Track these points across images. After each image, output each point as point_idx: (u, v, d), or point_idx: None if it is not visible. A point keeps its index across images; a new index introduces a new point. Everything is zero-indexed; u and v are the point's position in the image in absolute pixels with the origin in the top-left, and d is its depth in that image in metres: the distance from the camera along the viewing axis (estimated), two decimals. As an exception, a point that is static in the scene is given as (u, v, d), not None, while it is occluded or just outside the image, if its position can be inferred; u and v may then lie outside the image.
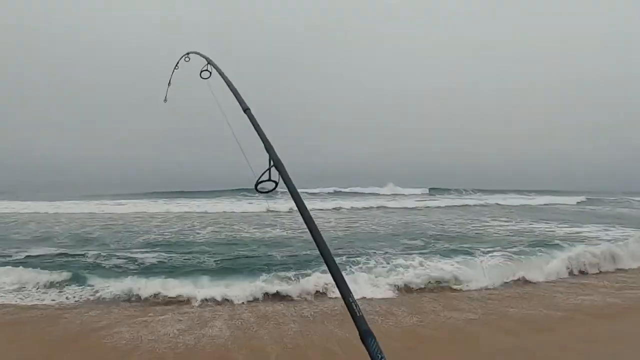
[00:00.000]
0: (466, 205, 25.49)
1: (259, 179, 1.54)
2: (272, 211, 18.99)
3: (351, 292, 1.26)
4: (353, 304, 1.22)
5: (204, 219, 17.16)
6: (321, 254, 1.35)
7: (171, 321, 5.23)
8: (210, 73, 2.46)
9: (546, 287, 6.90)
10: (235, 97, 2.10)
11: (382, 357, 1.12)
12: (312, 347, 4.51)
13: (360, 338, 1.18)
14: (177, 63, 3.08)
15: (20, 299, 6.13)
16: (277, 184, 1.54)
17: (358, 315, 1.21)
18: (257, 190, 1.56)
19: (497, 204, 26.50)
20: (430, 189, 40.28)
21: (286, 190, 1.52)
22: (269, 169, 1.56)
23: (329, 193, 35.22)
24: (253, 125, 1.88)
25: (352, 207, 22.33)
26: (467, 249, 9.42)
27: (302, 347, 4.51)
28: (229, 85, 2.22)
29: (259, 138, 1.78)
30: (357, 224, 15.23)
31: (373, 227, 14.39)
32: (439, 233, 12.51)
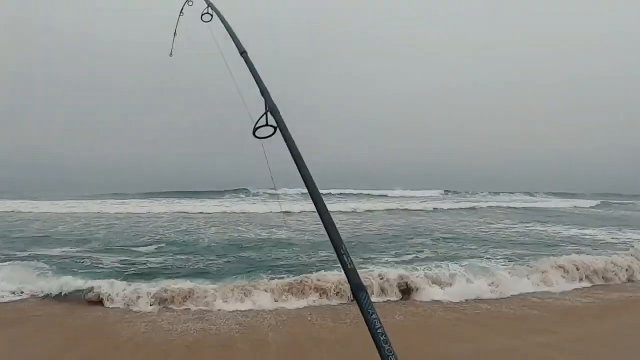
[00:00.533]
0: (480, 207, 25.52)
1: (256, 124, 1.52)
2: (287, 212, 19.05)
3: (343, 243, 1.20)
4: (344, 255, 1.17)
5: (208, 219, 17.41)
6: (312, 197, 1.31)
7: (180, 317, 5.51)
8: (212, 17, 2.43)
9: (546, 290, 6.99)
10: (233, 40, 2.08)
11: (372, 313, 1.07)
12: (309, 338, 4.86)
13: (352, 292, 1.13)
14: (182, 9, 3.04)
15: (33, 295, 6.38)
16: (275, 129, 1.50)
17: (349, 267, 1.15)
18: (254, 136, 1.53)
19: (509, 207, 26.42)
20: (445, 191, 40.16)
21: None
22: (266, 114, 1.53)
23: (340, 194, 35.25)
24: (249, 68, 1.83)
25: (366, 210, 22.36)
26: (474, 252, 9.70)
27: (299, 339, 4.85)
28: (227, 28, 2.18)
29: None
30: (377, 226, 15.44)
31: (392, 230, 14.52)
32: (453, 236, 12.65)
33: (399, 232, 13.43)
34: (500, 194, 40.27)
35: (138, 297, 6.05)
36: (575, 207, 27.66)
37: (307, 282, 6.48)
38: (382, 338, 1.03)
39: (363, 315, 1.08)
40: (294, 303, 6.10)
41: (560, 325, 5.22)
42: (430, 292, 6.50)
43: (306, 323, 5.36)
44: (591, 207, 28.22)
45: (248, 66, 1.86)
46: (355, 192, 37.60)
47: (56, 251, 9.59)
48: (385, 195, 35.79)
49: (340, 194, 36.12)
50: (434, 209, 23.77)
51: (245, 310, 5.78)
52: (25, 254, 9.04)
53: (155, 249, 10.07)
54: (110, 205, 21.89)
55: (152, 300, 6.00)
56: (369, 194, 36.71)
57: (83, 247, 10.06)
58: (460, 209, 24.31)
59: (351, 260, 1.17)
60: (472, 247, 10.48)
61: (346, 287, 6.48)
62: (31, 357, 4.36)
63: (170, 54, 3.26)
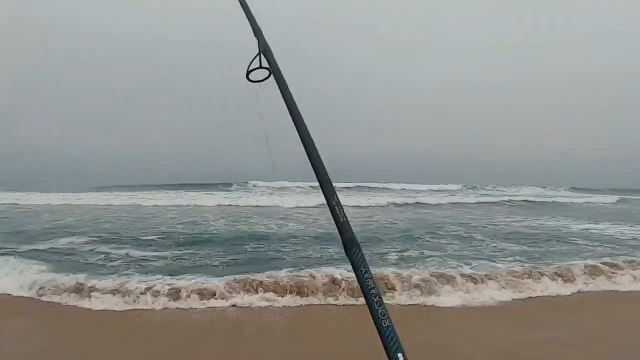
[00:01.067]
0: (501, 201, 25.39)
1: (249, 66, 1.47)
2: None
3: (336, 194, 1.14)
4: (336, 207, 1.12)
5: (215, 211, 17.56)
6: (306, 148, 1.26)
7: (187, 311, 5.66)
8: None
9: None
10: None
11: (365, 272, 1.01)
12: (310, 323, 5.20)
13: (344, 246, 1.08)
14: None
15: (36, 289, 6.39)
16: (270, 72, 1.44)
17: (342, 220, 1.10)
18: (248, 79, 1.48)
19: (527, 200, 26.17)
20: (463, 185, 40.21)
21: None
22: (259, 55, 1.46)
23: (357, 187, 35.36)
24: (242, 6, 1.72)
25: (377, 204, 22.24)
26: (489, 250, 9.58)
27: (302, 323, 5.20)
28: None
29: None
30: (389, 221, 15.36)
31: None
32: (467, 231, 12.56)
33: (411, 227, 13.36)
34: (518, 187, 39.95)
35: (144, 291, 6.10)
36: (595, 203, 27.27)
37: (315, 277, 6.51)
38: (375, 300, 0.97)
39: (355, 274, 1.02)
40: (300, 298, 6.09)
41: (563, 322, 5.38)
42: (444, 296, 6.32)
43: (307, 306, 5.58)
44: (612, 203, 27.76)
45: (240, 3, 1.72)
46: (372, 185, 37.58)
47: (63, 242, 9.79)
48: (400, 189, 35.63)
49: (357, 186, 36.13)
50: (450, 203, 23.60)
51: (252, 305, 5.84)
52: (32, 246, 9.17)
53: (163, 241, 10.18)
54: (117, 197, 22.17)
55: (160, 294, 6.04)
56: (384, 188, 36.67)
57: (90, 240, 10.19)
58: (478, 203, 24.11)
59: (344, 213, 1.11)
60: (487, 243, 10.41)
61: (355, 284, 6.45)
62: (39, 349, 4.44)
63: None
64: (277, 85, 1.39)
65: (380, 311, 0.95)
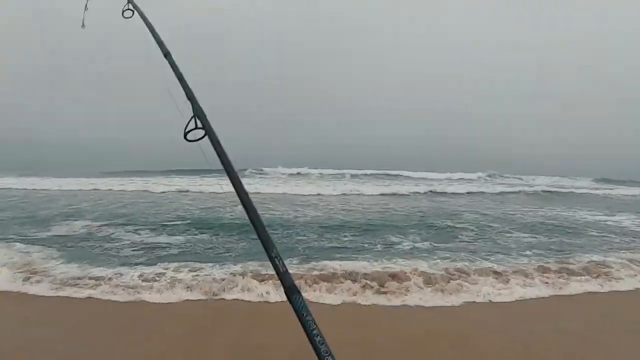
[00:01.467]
0: (524, 190, 24.92)
1: (186, 128, 1.56)
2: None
3: (275, 247, 1.25)
4: (276, 259, 1.23)
5: (230, 197, 17.54)
6: (244, 206, 1.40)
7: (199, 297, 5.81)
8: (133, 13, 2.29)
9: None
10: (155, 40, 2.05)
11: (306, 315, 1.14)
12: (319, 317, 5.13)
13: (285, 294, 1.18)
14: None
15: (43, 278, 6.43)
16: (205, 132, 1.54)
17: (282, 271, 1.21)
18: (186, 139, 1.57)
19: (549, 191, 25.70)
20: (488, 175, 39.79)
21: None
22: (194, 117, 1.57)
23: (372, 175, 35.05)
24: (174, 72, 1.82)
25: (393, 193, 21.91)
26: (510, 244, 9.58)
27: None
28: (149, 28, 2.15)
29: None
30: (404, 211, 15.38)
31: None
32: (486, 223, 12.56)
33: (430, 216, 13.34)
34: (534, 177, 39.33)
35: (150, 281, 6.14)
36: (615, 195, 26.59)
37: (325, 269, 6.61)
38: (317, 339, 1.11)
39: (298, 317, 1.15)
40: (312, 290, 6.07)
41: (571, 315, 5.57)
42: (458, 292, 6.21)
43: (324, 310, 5.50)
44: (633, 195, 26.90)
45: (173, 69, 1.84)
46: (391, 172, 37.09)
47: (76, 226, 10.09)
48: (418, 177, 35.20)
49: (374, 174, 35.69)
50: (468, 192, 23.25)
51: (260, 296, 5.89)
52: (45, 234, 9.36)
53: (175, 227, 10.37)
54: (132, 182, 22.24)
55: (164, 285, 6.05)
56: (397, 175, 36.26)
57: (104, 224, 10.46)
58: (496, 192, 23.72)
59: (283, 263, 1.24)
60: (505, 234, 10.42)
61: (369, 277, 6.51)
62: (42, 339, 4.51)
63: (83, 26, 3.02)
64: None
65: (323, 349, 1.10)
